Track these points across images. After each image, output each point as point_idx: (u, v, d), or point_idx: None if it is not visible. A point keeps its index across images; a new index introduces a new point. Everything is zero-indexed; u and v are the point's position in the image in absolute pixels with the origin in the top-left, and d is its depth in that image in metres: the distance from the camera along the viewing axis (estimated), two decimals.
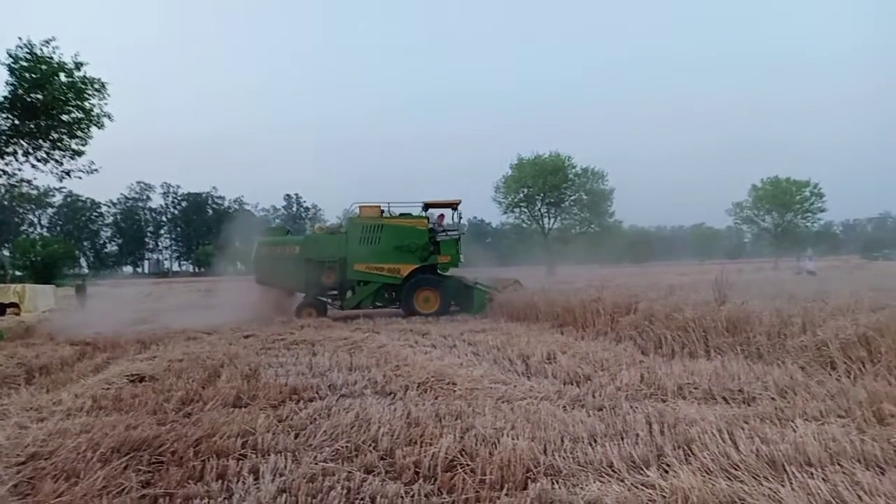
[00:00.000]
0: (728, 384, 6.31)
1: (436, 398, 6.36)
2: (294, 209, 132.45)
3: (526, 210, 57.67)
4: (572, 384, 6.97)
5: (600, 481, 3.89)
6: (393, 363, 8.47)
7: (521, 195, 56.81)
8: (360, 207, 18.51)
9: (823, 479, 3.56)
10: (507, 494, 3.80)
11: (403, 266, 17.94)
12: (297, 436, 5.13)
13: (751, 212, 67.38)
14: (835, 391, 5.69)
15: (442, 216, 19.33)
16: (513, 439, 4.57)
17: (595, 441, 4.70)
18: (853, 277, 18.63)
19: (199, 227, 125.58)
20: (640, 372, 7.13)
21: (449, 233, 18.57)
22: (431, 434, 4.91)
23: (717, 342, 8.34)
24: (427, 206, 19.24)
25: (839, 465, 3.82)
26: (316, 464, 4.39)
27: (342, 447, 4.76)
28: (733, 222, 73.06)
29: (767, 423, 4.86)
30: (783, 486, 3.48)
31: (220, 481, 4.16)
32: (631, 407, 5.68)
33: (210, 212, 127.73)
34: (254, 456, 4.66)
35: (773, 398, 5.72)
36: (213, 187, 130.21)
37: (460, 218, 19.04)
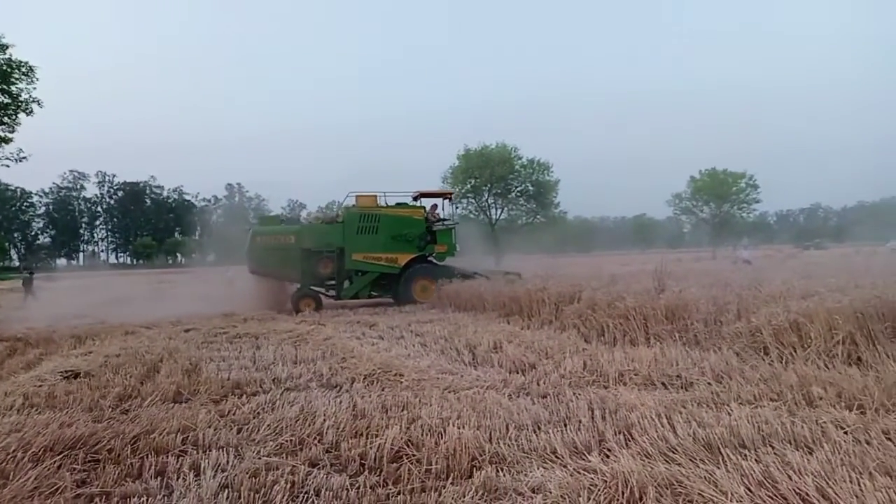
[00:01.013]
0: (667, 370, 6.52)
1: (382, 390, 6.36)
2: (237, 199, 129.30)
3: (473, 201, 57.86)
4: (518, 373, 7.07)
5: (544, 467, 3.97)
6: (339, 355, 8.42)
7: (469, 186, 56.98)
8: (356, 197, 18.39)
9: (756, 460, 3.71)
10: (452, 483, 3.83)
11: (401, 256, 17.96)
12: (239, 430, 5.06)
13: (689, 202, 69.33)
14: (767, 375, 5.94)
15: (435, 206, 19.35)
16: (458, 428, 4.60)
17: (539, 428, 4.78)
18: (786, 266, 19.41)
19: (137, 217, 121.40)
20: (583, 359, 7.28)
21: (445, 222, 18.68)
22: (377, 426, 4.91)
23: (656, 329, 8.58)
24: (420, 196, 19.25)
25: (771, 446, 3.98)
26: (259, 458, 4.33)
27: (286, 441, 4.71)
28: (673, 213, 75.08)
29: (704, 408, 5.03)
30: (718, 468, 3.61)
31: (159, 479, 4.06)
32: (574, 394, 5.81)
33: (148, 202, 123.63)
34: (194, 452, 4.56)
35: (709, 383, 5.93)
36: (152, 176, 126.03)
37: (456, 208, 18.99)
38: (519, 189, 57.81)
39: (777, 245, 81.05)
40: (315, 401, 5.85)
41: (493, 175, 55.01)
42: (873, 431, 4.13)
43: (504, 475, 3.87)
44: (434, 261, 18.57)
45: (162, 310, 17.02)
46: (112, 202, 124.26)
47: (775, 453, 3.79)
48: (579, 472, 3.79)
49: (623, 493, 3.41)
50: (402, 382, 6.64)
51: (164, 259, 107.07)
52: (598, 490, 3.51)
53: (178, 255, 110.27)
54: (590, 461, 3.94)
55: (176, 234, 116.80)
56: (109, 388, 6.71)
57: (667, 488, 3.42)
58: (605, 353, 7.59)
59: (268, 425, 5.11)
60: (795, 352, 6.68)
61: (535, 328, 10.73)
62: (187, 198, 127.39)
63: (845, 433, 4.14)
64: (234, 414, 5.60)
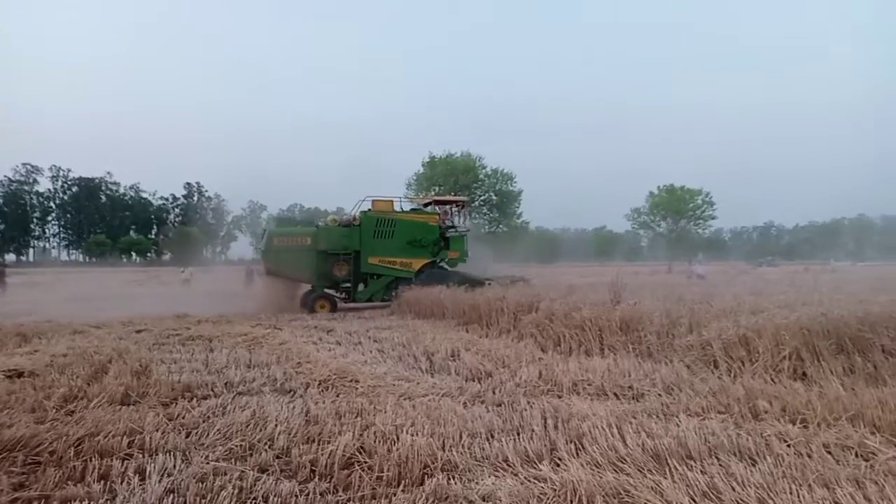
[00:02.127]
0: (619, 381, 6.62)
1: (337, 396, 6.31)
2: (195, 198, 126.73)
3: (437, 208, 58.02)
4: (474, 381, 7.10)
5: (495, 475, 3.98)
6: (294, 360, 8.32)
7: (433, 193, 57.13)
8: (373, 201, 18.59)
9: (702, 471, 3.80)
10: (403, 490, 3.82)
11: (416, 260, 18.25)
12: (188, 434, 4.96)
13: (647, 217, 70.68)
14: (716, 388, 6.08)
15: (446, 213, 19.56)
16: (412, 436, 4.60)
17: (492, 436, 4.80)
18: (738, 282, 19.88)
19: (91, 214, 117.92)
20: (538, 369, 7.34)
21: (458, 229, 18.93)
22: (330, 432, 4.87)
23: (611, 341, 8.71)
24: (435, 203, 19.61)
25: (717, 457, 4.09)
26: (207, 463, 4.25)
27: (236, 446, 4.63)
28: (631, 227, 76.44)
29: (654, 419, 5.13)
30: (665, 478, 3.68)
31: (102, 482, 3.95)
32: (528, 403, 5.85)
33: (104, 198, 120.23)
34: (140, 456, 4.46)
35: (660, 394, 6.05)
36: (108, 172, 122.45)
37: (469, 215, 18.97)
38: (482, 198, 58.18)
39: (731, 261, 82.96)
40: (267, 406, 5.77)
41: (458, 183, 55.23)
42: (814, 445, 4.26)
43: (455, 483, 3.87)
44: (446, 266, 18.72)
45: (113, 309, 16.60)
46: (66, 198, 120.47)
47: (720, 465, 3.89)
48: (530, 481, 3.82)
49: (571, 502, 3.45)
50: (357, 389, 6.60)
51: (119, 258, 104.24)
52: (548, 499, 3.55)
53: (133, 253, 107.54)
54: (540, 470, 3.98)
55: (131, 233, 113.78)
56: (54, 389, 6.49)
57: (614, 497, 3.47)
58: (560, 363, 7.67)
59: (218, 430, 5.01)
60: (743, 366, 6.86)
61: (493, 337, 10.79)
62: (144, 196, 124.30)
63: (788, 446, 4.27)
64: (183, 417, 5.49)
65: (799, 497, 3.27)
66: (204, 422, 5.31)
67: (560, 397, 6.15)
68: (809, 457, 4.05)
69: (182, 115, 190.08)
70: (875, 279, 17.86)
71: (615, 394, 6.26)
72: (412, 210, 19.30)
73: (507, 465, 4.18)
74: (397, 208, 19.00)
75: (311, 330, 12.32)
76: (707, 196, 67.48)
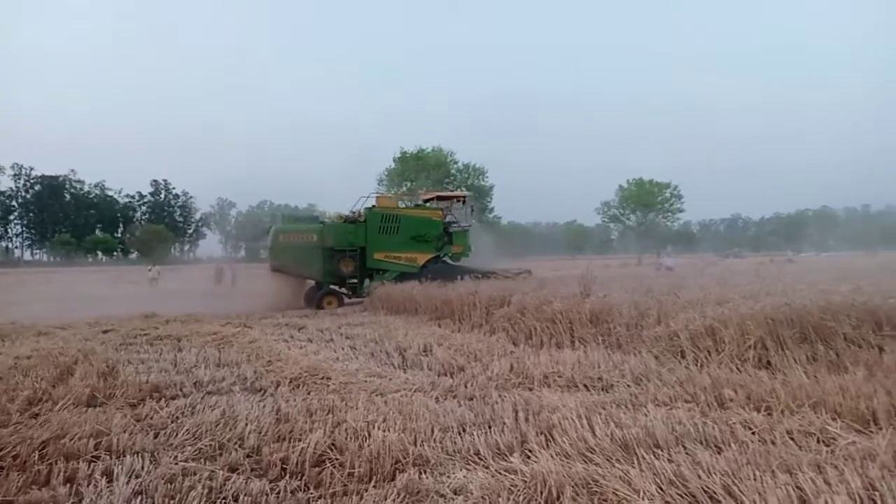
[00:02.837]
0: (589, 372, 6.70)
1: (308, 393, 6.28)
2: (162, 196, 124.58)
3: (409, 204, 58.01)
4: (446, 375, 7.13)
5: (466, 469, 4.01)
6: (265, 358, 8.25)
7: (405, 188, 57.06)
8: (377, 198, 19.16)
9: (669, 459, 3.86)
10: (374, 486, 3.82)
11: (420, 255, 18.51)
12: (156, 435, 4.90)
13: (617, 211, 71.59)
14: (683, 378, 6.17)
15: (447, 208, 19.64)
16: (383, 432, 4.59)
17: (464, 430, 4.83)
18: (705, 273, 20.21)
19: (55, 213, 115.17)
20: (510, 362, 7.40)
21: (461, 224, 19.11)
22: (301, 430, 4.84)
23: (581, 333, 8.81)
24: (436, 199, 19.76)
25: (683, 446, 4.15)
26: (176, 464, 4.20)
27: (205, 446, 4.59)
28: (602, 220, 77.31)
29: (623, 409, 5.20)
30: (633, 467, 3.73)
31: (68, 485, 3.88)
32: (500, 396, 5.89)
33: (68, 197, 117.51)
34: (108, 458, 4.39)
35: (629, 385, 6.13)
36: (72, 170, 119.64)
37: (472, 210, 19.73)
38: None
39: (699, 253, 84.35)
40: (237, 405, 5.72)
41: (429, 179, 55.28)
42: (778, 432, 4.36)
43: (427, 477, 3.89)
44: (448, 261, 18.92)
45: (79, 310, 16.29)
46: (28, 196, 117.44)
47: (687, 453, 3.96)
48: (501, 473, 3.85)
49: (542, 493, 3.49)
50: (329, 386, 6.57)
51: (84, 257, 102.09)
52: (518, 490, 3.58)
53: (99, 253, 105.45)
54: (511, 462, 4.01)
55: (97, 232, 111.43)
56: (18, 391, 6.33)
57: (583, 488, 3.52)
58: (531, 356, 7.72)
59: (187, 430, 4.96)
60: (710, 355, 6.99)
61: (465, 331, 10.83)
62: (110, 194, 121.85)
63: (752, 433, 4.35)
64: (151, 418, 5.42)
65: (762, 483, 3.33)
66: (173, 422, 5.25)
67: (531, 390, 6.20)
68: (773, 443, 4.13)
69: (149, 112, 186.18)
70: (837, 269, 18.31)
71: (585, 385, 6.33)
72: (416, 206, 19.64)
73: (479, 458, 4.21)
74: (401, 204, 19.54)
75: (282, 328, 12.23)
76: (675, 189, 68.61)
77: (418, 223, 18.69)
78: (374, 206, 19.02)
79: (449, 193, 20.34)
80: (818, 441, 4.22)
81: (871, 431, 4.35)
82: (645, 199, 68.46)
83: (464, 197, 19.94)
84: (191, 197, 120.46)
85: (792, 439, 4.24)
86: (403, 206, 19.54)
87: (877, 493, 3.23)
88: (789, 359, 6.65)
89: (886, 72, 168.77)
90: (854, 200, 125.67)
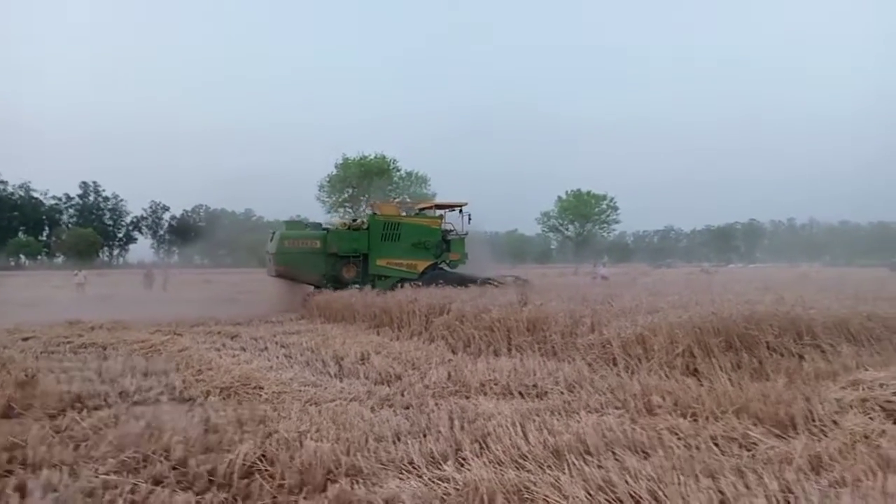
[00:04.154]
0: (525, 380, 6.78)
1: (239, 403, 6.13)
2: (91, 198, 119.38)
3: (350, 210, 57.52)
4: (383, 384, 7.08)
5: (400, 478, 3.98)
6: (195, 367, 8.01)
7: (346, 195, 56.67)
8: (379, 205, 19.65)
9: (599, 465, 3.94)
10: (305, 497, 3.76)
11: (420, 262, 18.92)
12: (76, 447, 4.69)
13: (556, 221, 73.04)
14: (615, 385, 6.33)
15: (442, 216, 20.13)
16: (316, 442, 4.52)
17: (399, 439, 4.80)
18: (638, 283, 20.86)
19: None
20: (447, 370, 7.42)
21: (458, 233, 19.77)
22: (230, 440, 4.71)
23: (518, 341, 8.92)
24: (435, 207, 20.39)
25: (613, 452, 4.25)
26: (96, 477, 4.02)
27: (129, 458, 4.40)
28: (541, 230, 78.70)
29: (556, 416, 5.29)
30: (563, 473, 3.80)
31: None
32: (436, 404, 5.90)
33: None
34: (22, 471, 4.18)
35: (562, 392, 6.24)
36: None
37: (470, 219, 19.90)
38: (397, 200, 58.17)
39: (633, 263, 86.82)
40: (164, 415, 5.51)
41: (372, 185, 55.04)
42: (702, 437, 4.52)
43: (359, 487, 3.84)
44: (445, 268, 19.33)
45: None
46: None
47: (616, 459, 4.05)
48: (434, 482, 3.84)
49: (473, 501, 3.50)
50: (261, 395, 6.43)
51: (6, 261, 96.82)
52: (451, 499, 3.59)
53: (23, 256, 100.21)
54: (445, 470, 4.01)
55: (20, 235, 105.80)
56: None
57: (515, 495, 3.55)
58: (469, 364, 7.77)
59: (109, 441, 4.75)
60: (640, 363, 7.19)
61: (404, 339, 10.79)
62: (35, 195, 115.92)
63: (679, 439, 4.50)
64: (71, 429, 5.20)
65: (686, 488, 3.44)
66: (95, 433, 5.03)
67: (468, 398, 6.23)
68: (698, 449, 4.28)
69: (77, 113, 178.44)
70: (762, 280, 19.12)
71: (520, 393, 6.40)
72: (416, 214, 20.15)
73: (413, 467, 4.19)
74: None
75: (215, 336, 11.89)
76: (612, 201, 70.47)
77: (419, 231, 19.22)
78: (376, 213, 19.53)
79: (447, 202, 20.75)
80: (740, 446, 4.39)
81: (789, 436, 4.56)
82: (583, 210, 70.20)
83: (461, 206, 20.33)
84: (121, 200, 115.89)
85: (716, 444, 4.39)
86: (404, 214, 19.87)
87: (792, 496, 3.38)
88: (715, 366, 6.90)
89: (817, 93, 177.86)
90: (780, 214, 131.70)
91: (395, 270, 18.78)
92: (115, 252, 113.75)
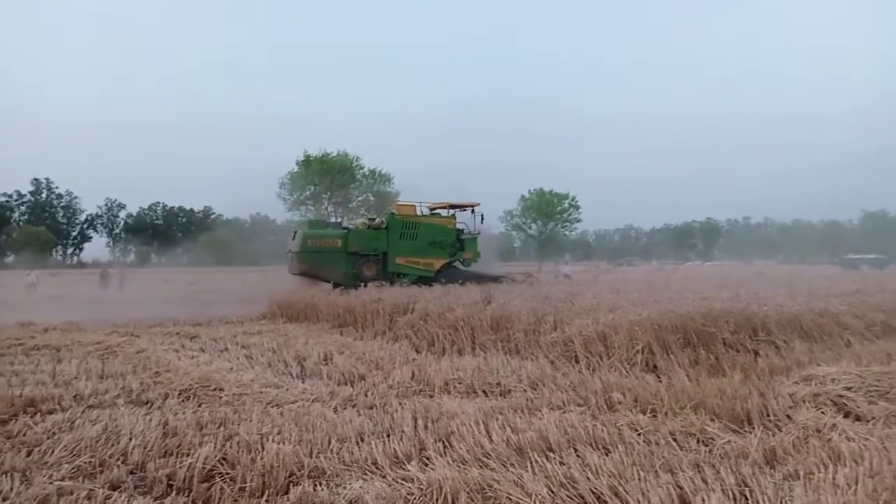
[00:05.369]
0: (489, 378, 6.82)
1: (199, 405, 6.02)
2: (44, 196, 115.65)
3: (312, 208, 56.85)
4: (347, 384, 7.03)
5: (363, 479, 3.96)
6: (153, 369, 7.84)
7: (308, 193, 55.97)
8: (396, 206, 20.22)
9: (561, 462, 3.99)
10: (266, 500, 3.72)
11: (436, 261, 19.60)
12: (29, 453, 4.55)
13: (519, 219, 73.46)
14: (576, 382, 6.41)
15: (454, 216, 20.90)
16: (278, 444, 4.46)
17: (362, 440, 4.78)
18: (599, 281, 21.21)
19: None
20: (412, 369, 7.41)
21: (471, 232, 20.48)
22: (190, 444, 4.63)
23: (482, 339, 8.97)
24: (449, 207, 21.07)
25: (574, 448, 4.31)
26: (50, 483, 3.92)
27: (85, 463, 4.31)
28: (505, 228, 79.07)
29: (519, 414, 5.33)
30: (526, 471, 3.84)
31: None
32: (400, 404, 5.88)
33: None
34: None
35: (525, 390, 6.30)
36: None
37: (482, 219, 20.71)
38: (360, 199, 57.81)
39: (595, 261, 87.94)
40: (121, 419, 5.41)
41: (334, 183, 54.44)
42: (661, 433, 4.61)
43: (322, 489, 3.81)
44: (459, 266, 20.00)
45: None
46: None
47: (577, 455, 4.11)
48: (398, 482, 3.84)
49: (437, 500, 3.51)
50: (221, 397, 6.32)
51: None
52: (414, 498, 3.59)
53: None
54: (409, 470, 4.01)
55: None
56: None
57: (478, 493, 3.57)
58: (433, 363, 7.78)
59: (64, 446, 4.63)
60: (601, 360, 7.30)
61: (368, 339, 10.75)
62: None
63: (638, 435, 4.58)
64: (24, 435, 5.05)
65: (646, 483, 3.51)
66: (48, 438, 4.89)
67: (432, 397, 6.24)
68: (657, 444, 4.37)
69: (27, 107, 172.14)
70: (719, 277, 19.59)
71: (484, 391, 6.44)
72: (431, 214, 20.73)
73: (376, 467, 4.18)
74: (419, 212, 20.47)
75: (173, 337, 11.64)
76: (574, 200, 71.14)
77: (435, 230, 19.87)
78: (394, 213, 20.18)
79: (460, 203, 21.39)
80: (698, 441, 4.49)
81: (745, 431, 4.68)
82: (545, 210, 70.67)
83: (473, 206, 21.00)
84: (75, 197, 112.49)
85: (674, 440, 4.48)
86: (420, 213, 20.45)
87: (748, 489, 3.48)
88: (674, 363, 7.05)
89: (774, 93, 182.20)
90: (736, 213, 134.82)
91: (413, 269, 19.43)
92: (69, 251, 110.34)
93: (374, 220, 20.57)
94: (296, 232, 20.28)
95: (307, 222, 21.51)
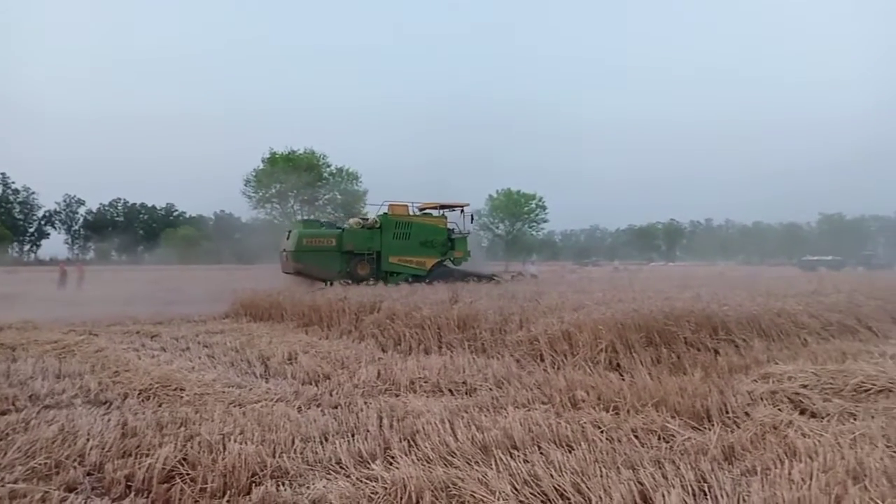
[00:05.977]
0: (455, 377, 6.84)
1: (159, 406, 5.90)
2: (0, 190, 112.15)
3: (278, 206, 56.24)
4: (311, 384, 6.97)
5: (327, 479, 3.94)
6: (112, 369, 7.66)
7: (274, 190, 55.36)
8: (390, 206, 20.41)
9: (525, 460, 4.02)
10: (228, 501, 3.67)
11: (428, 259, 20.08)
12: None
13: (487, 219, 73.83)
14: (541, 380, 6.46)
15: (444, 216, 21.45)
16: (240, 444, 4.40)
17: (326, 439, 4.74)
18: (565, 280, 21.43)
19: None
20: (377, 368, 7.38)
21: (461, 231, 21.03)
22: (150, 444, 4.54)
23: (449, 338, 8.98)
24: (439, 207, 21.58)
25: (538, 446, 4.35)
26: (3, 485, 3.80)
27: (40, 464, 4.18)
28: (473, 228, 79.41)
29: (484, 412, 5.35)
30: (490, 469, 3.85)
31: None
32: (365, 403, 5.85)
33: None
34: None
35: (491, 389, 6.33)
36: None
37: (472, 219, 21.37)
38: (327, 196, 57.39)
39: (561, 261, 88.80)
40: (78, 419, 5.27)
41: (300, 181, 53.93)
42: (624, 430, 4.68)
43: (285, 489, 3.77)
44: (450, 264, 20.45)
45: None
46: None
47: (541, 453, 4.15)
48: (362, 482, 3.82)
49: (402, 499, 3.51)
50: (182, 397, 6.20)
51: None
52: (379, 497, 3.58)
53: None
54: (373, 469, 3.99)
55: None
56: None
57: (443, 491, 3.58)
58: (399, 362, 7.77)
59: (18, 448, 4.48)
60: (566, 358, 7.38)
61: (333, 338, 10.66)
62: None
63: (601, 432, 4.63)
64: None
65: (608, 479, 3.55)
66: (2, 439, 4.74)
67: (397, 396, 6.23)
68: (619, 441, 4.43)
69: None
70: (681, 278, 19.95)
71: (450, 390, 6.45)
72: (422, 214, 21.02)
73: (340, 467, 4.15)
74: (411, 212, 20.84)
75: (133, 336, 11.39)
76: (541, 200, 71.81)
77: (427, 230, 20.31)
78: (387, 213, 20.35)
79: (450, 203, 21.89)
80: (659, 438, 4.57)
81: (705, 428, 4.78)
82: (513, 210, 71.22)
83: (463, 206, 21.45)
84: (33, 193, 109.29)
85: (636, 437, 4.55)
86: (412, 213, 20.80)
87: (707, 485, 3.55)
88: (636, 361, 7.15)
89: (737, 98, 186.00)
90: (698, 215, 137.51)
91: (406, 267, 19.85)
92: (26, 248, 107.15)
93: (367, 219, 20.78)
94: (290, 231, 20.53)
95: (301, 222, 21.75)
